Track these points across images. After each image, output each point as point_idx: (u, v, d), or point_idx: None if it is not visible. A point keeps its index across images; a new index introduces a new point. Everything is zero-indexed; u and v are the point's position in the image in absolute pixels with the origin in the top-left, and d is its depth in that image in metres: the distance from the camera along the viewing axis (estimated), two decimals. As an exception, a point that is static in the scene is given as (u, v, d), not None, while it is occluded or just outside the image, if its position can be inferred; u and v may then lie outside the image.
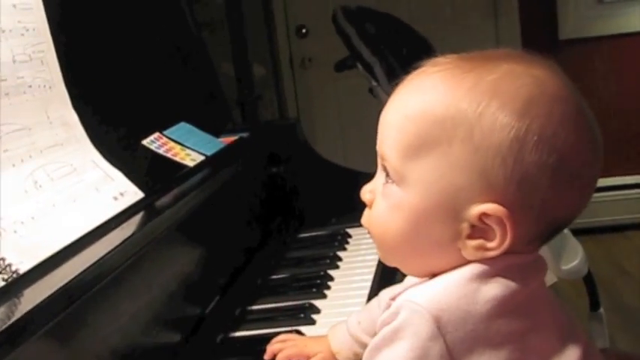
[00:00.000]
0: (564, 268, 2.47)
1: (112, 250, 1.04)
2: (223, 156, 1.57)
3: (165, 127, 1.52)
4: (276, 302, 1.36)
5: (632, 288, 3.37)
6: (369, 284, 1.39)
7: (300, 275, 1.47)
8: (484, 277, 0.77)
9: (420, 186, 0.78)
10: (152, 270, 1.13)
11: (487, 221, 0.76)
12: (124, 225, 1.14)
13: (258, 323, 1.28)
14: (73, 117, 1.21)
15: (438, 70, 0.79)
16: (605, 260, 3.73)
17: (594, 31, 4.18)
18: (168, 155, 1.44)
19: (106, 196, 1.17)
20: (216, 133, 1.68)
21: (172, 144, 1.48)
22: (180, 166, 1.44)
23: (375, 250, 0.89)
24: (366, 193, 0.85)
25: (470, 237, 0.77)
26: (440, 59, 0.81)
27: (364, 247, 1.58)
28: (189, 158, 1.47)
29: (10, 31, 1.13)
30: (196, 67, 1.83)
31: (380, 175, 0.83)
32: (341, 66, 2.65)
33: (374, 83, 2.46)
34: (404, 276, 0.90)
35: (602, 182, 4.02)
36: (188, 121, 1.60)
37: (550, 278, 2.55)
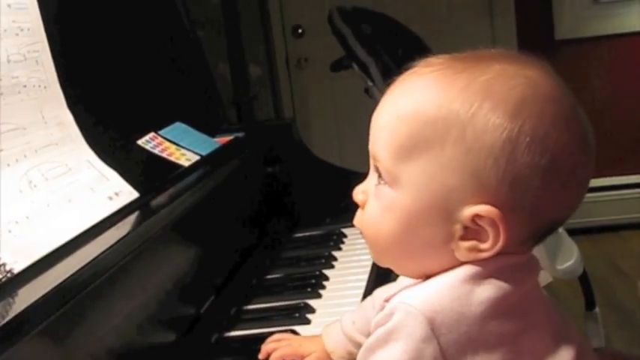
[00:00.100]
0: (560, 267, 2.48)
1: (107, 249, 1.04)
2: (218, 156, 1.57)
3: (161, 127, 1.52)
4: (271, 302, 1.36)
5: (627, 287, 3.38)
6: (363, 284, 1.39)
7: (295, 275, 1.48)
8: (477, 278, 0.77)
9: (413, 187, 0.78)
10: (147, 270, 1.14)
11: (480, 222, 0.76)
12: (119, 225, 1.15)
13: (253, 323, 1.28)
14: (68, 117, 1.21)
15: (430, 71, 0.79)
16: (600, 260, 3.74)
17: (590, 32, 4.19)
18: (164, 155, 1.44)
19: (101, 195, 1.17)
20: (212, 133, 1.68)
21: (167, 144, 1.48)
22: (175, 166, 1.44)
23: (370, 250, 0.89)
24: (359, 193, 0.84)
25: (462, 238, 0.77)
26: (432, 59, 0.81)
27: (359, 247, 1.58)
28: (185, 158, 1.47)
29: (5, 30, 1.13)
30: (192, 67, 1.83)
31: (372, 176, 0.83)
32: (337, 66, 2.66)
33: (370, 83, 2.47)
34: (398, 275, 0.90)
35: (598, 182, 4.03)
36: (183, 121, 1.60)
37: (545, 278, 2.55)
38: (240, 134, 1.75)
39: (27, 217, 1.02)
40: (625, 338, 3.00)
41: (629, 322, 3.12)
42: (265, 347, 1.11)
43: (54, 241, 1.02)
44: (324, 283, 1.42)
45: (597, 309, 2.69)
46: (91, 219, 1.11)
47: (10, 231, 0.98)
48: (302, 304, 1.31)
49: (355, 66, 2.49)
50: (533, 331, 0.79)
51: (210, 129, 1.68)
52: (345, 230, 1.68)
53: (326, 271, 1.46)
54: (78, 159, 1.19)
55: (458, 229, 0.77)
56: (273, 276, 1.49)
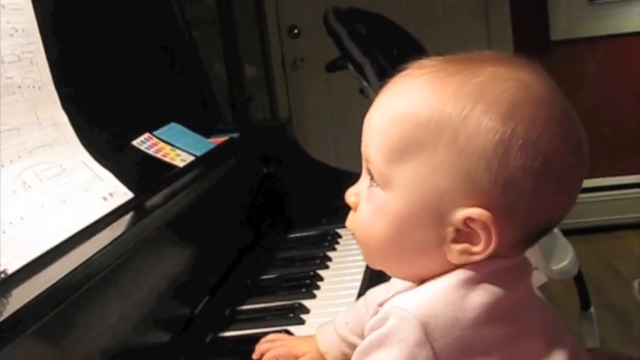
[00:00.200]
0: (555, 268, 2.48)
1: (101, 250, 1.04)
2: (213, 156, 1.57)
3: (156, 128, 1.52)
4: (265, 302, 1.36)
5: (622, 288, 3.39)
6: (358, 284, 1.39)
7: (290, 275, 1.48)
8: (470, 283, 0.77)
9: (405, 189, 0.78)
10: (141, 270, 1.14)
11: (472, 225, 0.76)
12: (113, 225, 1.15)
13: (247, 323, 1.28)
14: (63, 117, 1.21)
15: (422, 73, 0.79)
16: (596, 260, 3.74)
17: (585, 32, 4.20)
18: (159, 156, 1.44)
19: (96, 196, 1.17)
20: (207, 134, 1.68)
21: (162, 144, 1.49)
22: (170, 167, 1.44)
23: (364, 251, 0.89)
24: (351, 195, 0.84)
25: (455, 241, 0.77)
26: (425, 61, 0.81)
27: (354, 247, 1.58)
28: (180, 159, 1.47)
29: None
30: (187, 68, 1.83)
31: (364, 178, 0.83)
32: (332, 67, 2.65)
33: (365, 84, 2.47)
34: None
35: (593, 183, 4.04)
36: (178, 121, 1.61)
37: (540, 278, 2.56)
38: (235, 135, 1.75)
39: (21, 218, 1.02)
40: (620, 338, 3.01)
41: (624, 323, 3.13)
42: (259, 347, 1.11)
43: (48, 242, 1.02)
44: (319, 283, 1.42)
45: (592, 309, 2.69)
46: (85, 219, 1.11)
47: (4, 232, 0.98)
48: (296, 305, 1.31)
49: (350, 66, 2.48)
50: (526, 336, 0.79)
51: (205, 129, 1.68)
52: (339, 231, 1.68)
53: (320, 272, 1.47)
54: (72, 160, 1.19)
55: (450, 231, 0.77)
56: (268, 276, 1.50)
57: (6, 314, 0.85)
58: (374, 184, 0.80)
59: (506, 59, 0.80)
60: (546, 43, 4.19)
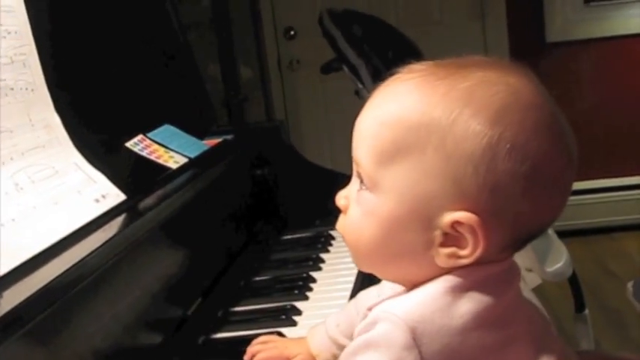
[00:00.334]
0: (549, 270, 2.48)
1: (93, 251, 1.04)
2: (207, 158, 1.57)
3: (149, 130, 1.52)
4: (258, 304, 1.36)
5: (617, 289, 3.39)
6: (350, 286, 1.39)
7: (283, 277, 1.48)
8: (458, 290, 0.77)
9: (393, 193, 0.78)
10: (134, 271, 1.14)
11: (459, 229, 0.76)
12: (106, 227, 1.15)
13: (239, 325, 1.29)
14: (56, 119, 1.21)
15: (412, 77, 0.79)
16: (591, 262, 3.75)
17: (581, 34, 4.20)
18: (152, 158, 1.45)
19: (88, 198, 1.17)
20: (201, 136, 1.68)
21: (156, 146, 1.49)
22: (163, 169, 1.44)
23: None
24: (341, 198, 0.85)
25: (442, 245, 0.77)
26: (415, 66, 0.81)
27: (347, 249, 1.58)
28: (173, 160, 1.48)
29: (-8, 33, 1.14)
30: (181, 70, 1.84)
31: (355, 181, 0.83)
32: (327, 68, 2.66)
33: (360, 86, 2.47)
34: (382, 279, 0.90)
35: (589, 184, 4.05)
36: (172, 123, 1.61)
37: (535, 280, 2.56)
38: (229, 136, 1.75)
39: (13, 220, 1.02)
40: (615, 340, 3.01)
41: (618, 324, 3.13)
42: (250, 349, 1.11)
43: (40, 244, 1.03)
44: (312, 285, 1.42)
45: (587, 311, 2.69)
46: (77, 221, 1.12)
47: (-4, 233, 0.98)
48: (289, 306, 1.31)
49: (345, 68, 2.49)
50: (515, 343, 0.79)
51: (199, 131, 1.69)
52: (333, 232, 1.68)
53: (313, 274, 1.47)
54: (65, 162, 1.19)
55: (438, 235, 0.77)
56: (261, 278, 1.50)
57: (-2, 315, 0.85)
58: (363, 187, 0.81)
59: (496, 64, 0.80)
60: (542, 45, 4.19)
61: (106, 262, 1.05)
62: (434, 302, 0.76)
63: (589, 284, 3.06)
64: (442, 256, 0.77)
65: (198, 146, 1.60)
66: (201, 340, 1.25)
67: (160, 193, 1.33)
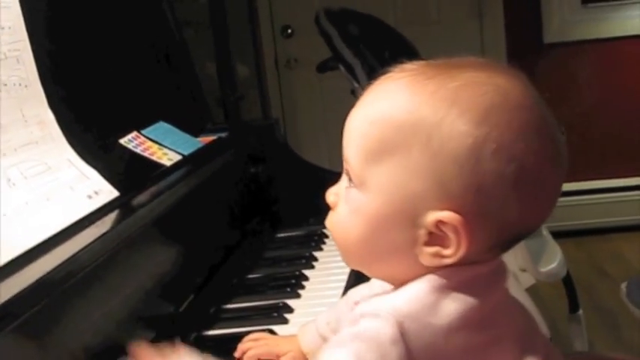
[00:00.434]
0: (543, 270, 2.49)
1: (85, 247, 1.05)
2: (201, 155, 1.58)
3: (144, 127, 1.52)
4: (250, 301, 1.36)
5: (611, 290, 3.39)
6: (342, 284, 1.39)
7: (276, 275, 1.48)
8: (443, 290, 0.77)
9: (380, 191, 0.78)
10: (126, 268, 1.14)
11: (443, 229, 0.75)
12: (98, 223, 1.15)
13: (231, 322, 1.29)
14: (49, 115, 1.22)
15: (403, 76, 0.79)
16: (585, 262, 3.76)
17: (578, 35, 4.20)
18: (146, 155, 1.45)
19: (81, 194, 1.18)
20: (195, 133, 1.68)
21: (150, 143, 1.49)
22: (157, 166, 1.44)
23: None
24: (331, 195, 0.85)
25: (427, 244, 0.77)
26: (406, 65, 0.81)
27: (340, 247, 1.58)
28: (167, 158, 1.48)
29: (-14, 29, 1.14)
30: (176, 67, 1.84)
31: (344, 179, 0.83)
32: (323, 67, 2.66)
33: (356, 85, 2.47)
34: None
35: (584, 185, 4.05)
36: (167, 120, 1.61)
37: (529, 280, 2.57)
38: (224, 134, 1.75)
39: (5, 215, 1.02)
40: (608, 341, 3.02)
41: (612, 325, 3.14)
42: (241, 346, 1.12)
43: (32, 239, 1.03)
44: (304, 283, 1.43)
45: (581, 311, 2.70)
46: (69, 217, 1.12)
47: (-13, 228, 0.99)
48: (281, 304, 1.31)
49: (341, 67, 2.49)
50: (501, 342, 0.79)
51: (193, 129, 1.69)
52: (326, 231, 1.68)
53: (306, 272, 1.47)
54: (58, 158, 1.20)
55: (422, 234, 0.77)
56: (254, 275, 1.50)
57: (-11, 310, 0.85)
58: (351, 185, 0.81)
59: (487, 65, 0.80)
60: (539, 46, 4.20)
61: (98, 259, 1.06)
62: (419, 301, 0.76)
63: (583, 285, 3.07)
64: (426, 255, 0.77)
65: (192, 143, 1.61)
66: (192, 336, 1.25)
67: (153, 189, 1.34)
